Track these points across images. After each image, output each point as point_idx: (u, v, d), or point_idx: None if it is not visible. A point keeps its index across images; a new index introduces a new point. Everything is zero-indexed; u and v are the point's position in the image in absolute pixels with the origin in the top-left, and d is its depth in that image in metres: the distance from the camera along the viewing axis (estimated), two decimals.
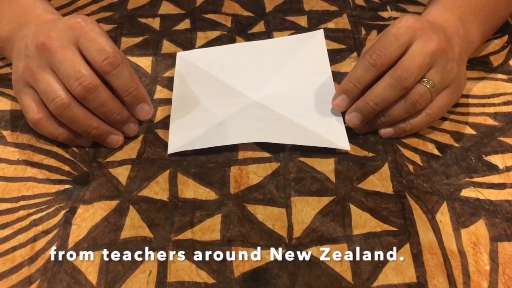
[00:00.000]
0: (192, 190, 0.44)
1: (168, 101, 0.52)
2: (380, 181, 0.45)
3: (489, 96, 0.53)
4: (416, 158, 0.47)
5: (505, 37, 0.60)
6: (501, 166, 0.46)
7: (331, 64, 0.55)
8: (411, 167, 0.46)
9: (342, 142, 0.47)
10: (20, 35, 0.48)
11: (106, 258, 0.40)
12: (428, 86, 0.45)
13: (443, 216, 0.42)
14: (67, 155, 0.47)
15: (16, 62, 0.47)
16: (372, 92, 0.46)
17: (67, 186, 0.45)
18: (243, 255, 0.40)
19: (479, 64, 0.57)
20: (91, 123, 0.45)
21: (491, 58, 0.58)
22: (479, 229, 0.41)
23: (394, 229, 0.41)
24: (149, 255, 0.40)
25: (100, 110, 0.45)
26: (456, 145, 0.48)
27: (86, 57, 0.44)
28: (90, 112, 0.45)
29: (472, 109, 0.52)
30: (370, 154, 0.47)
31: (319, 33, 0.58)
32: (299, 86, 0.53)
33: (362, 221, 0.42)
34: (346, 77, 0.48)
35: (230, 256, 0.40)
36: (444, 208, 0.43)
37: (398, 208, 0.43)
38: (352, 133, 0.48)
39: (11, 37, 0.49)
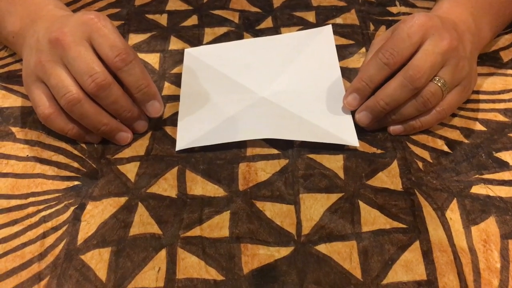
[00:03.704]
0: (200, 186, 0.44)
1: (176, 98, 0.52)
2: (389, 178, 0.45)
3: (499, 92, 0.52)
4: (426, 155, 0.47)
5: None
6: (511, 163, 0.46)
7: (339, 60, 0.55)
8: (420, 164, 0.46)
9: (351, 138, 0.47)
10: (31, 31, 0.48)
11: (115, 255, 0.40)
12: (439, 85, 0.45)
13: (453, 213, 0.42)
14: (76, 152, 0.47)
15: (27, 57, 0.47)
16: (383, 91, 0.45)
17: (76, 182, 0.45)
18: (252, 252, 0.40)
19: (489, 60, 0.56)
20: (101, 119, 0.45)
21: (501, 53, 0.57)
22: (489, 226, 0.41)
23: (404, 226, 0.41)
24: (158, 251, 0.40)
25: (111, 107, 0.45)
26: (466, 141, 0.48)
27: (99, 53, 0.44)
28: (101, 109, 0.45)
29: (482, 105, 0.51)
30: (379, 151, 0.47)
31: (327, 29, 0.58)
32: (308, 82, 0.53)
33: (372, 218, 0.42)
34: (357, 75, 0.47)
35: (239, 253, 0.40)
36: (454, 205, 0.43)
37: (407, 205, 0.43)
38: (360, 130, 0.48)
39: (22, 32, 0.50)
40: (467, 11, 0.50)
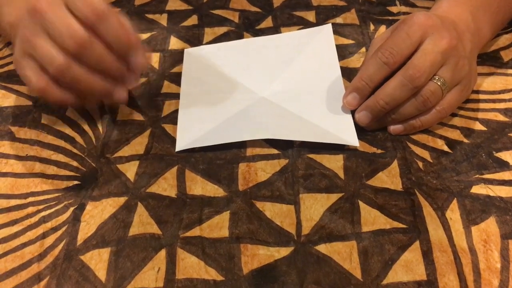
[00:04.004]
0: (200, 186, 0.44)
1: (175, 96, 0.52)
2: (389, 178, 0.45)
3: (499, 92, 0.52)
4: (426, 155, 0.46)
5: None
6: (511, 163, 0.46)
7: (339, 59, 0.55)
8: (420, 164, 0.46)
9: (351, 138, 0.47)
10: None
11: (114, 255, 0.40)
12: (439, 84, 0.44)
13: (453, 213, 0.42)
14: (75, 150, 0.47)
15: (16, 40, 0.46)
16: (383, 91, 0.45)
17: (75, 182, 0.45)
18: (252, 252, 0.39)
19: (490, 60, 0.56)
20: (93, 79, 0.45)
21: (502, 53, 0.57)
22: (489, 226, 0.41)
23: (404, 226, 0.41)
24: (158, 252, 0.40)
25: (98, 66, 0.45)
26: (466, 141, 0.48)
27: (74, 13, 0.43)
28: (90, 70, 0.45)
29: (482, 105, 0.51)
30: (379, 151, 0.47)
31: (327, 28, 0.58)
32: (307, 81, 0.53)
33: (372, 218, 0.42)
34: (357, 74, 0.47)
35: (239, 253, 0.40)
36: (454, 205, 0.42)
37: (407, 205, 0.43)
38: (361, 130, 0.48)
39: (18, 22, 0.48)
40: (467, 10, 0.50)
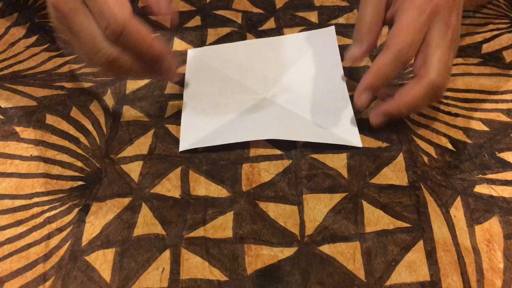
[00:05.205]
0: (204, 187, 0.44)
1: (178, 97, 0.52)
2: (394, 173, 0.45)
3: (502, 92, 0.52)
4: (431, 150, 0.46)
5: None
6: None
7: (342, 60, 0.55)
8: (426, 159, 0.46)
9: (354, 139, 0.47)
10: None
11: (119, 255, 0.40)
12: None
13: (457, 211, 0.42)
14: (79, 151, 0.48)
15: (49, 7, 0.44)
16: (407, 99, 0.44)
17: (80, 182, 0.45)
18: (255, 253, 0.40)
19: (492, 60, 0.56)
20: (138, 68, 0.45)
21: (504, 53, 0.57)
22: (492, 226, 0.41)
23: (408, 225, 0.41)
24: (162, 252, 0.40)
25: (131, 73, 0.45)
26: (469, 141, 0.48)
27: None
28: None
29: (484, 105, 0.51)
30: (385, 144, 0.47)
31: (331, 30, 0.58)
32: (311, 83, 0.53)
33: (375, 218, 0.42)
34: (369, 71, 0.45)
35: (243, 253, 0.40)
36: (458, 202, 0.43)
37: (412, 201, 0.43)
38: (365, 125, 0.48)
39: None
40: None
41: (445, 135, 0.48)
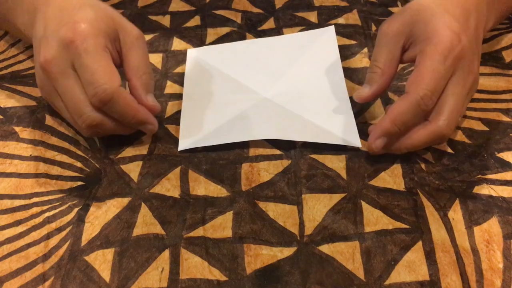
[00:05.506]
0: (203, 187, 0.44)
1: (178, 96, 0.53)
2: (392, 178, 0.45)
3: (501, 92, 0.53)
4: (428, 156, 0.47)
5: None
6: None
7: (341, 60, 0.55)
8: (422, 165, 0.46)
9: (353, 139, 0.47)
10: (33, 31, 0.46)
11: (118, 255, 0.40)
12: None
13: (456, 213, 0.42)
14: (79, 152, 0.48)
15: (35, 65, 0.46)
16: (410, 142, 0.44)
17: (79, 182, 0.45)
18: (255, 252, 0.40)
19: (492, 60, 0.56)
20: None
21: (504, 53, 0.57)
22: (492, 227, 0.41)
23: (406, 226, 0.41)
24: (162, 252, 0.40)
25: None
26: (468, 141, 0.48)
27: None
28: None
29: (484, 105, 0.51)
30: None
31: (330, 30, 0.58)
32: (310, 83, 0.53)
33: (374, 219, 0.42)
34: (388, 115, 0.43)
35: (242, 253, 0.40)
36: (456, 205, 0.43)
37: (410, 205, 0.43)
38: (363, 130, 0.48)
39: (30, 28, 0.48)
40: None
41: None
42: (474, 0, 0.46)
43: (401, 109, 0.42)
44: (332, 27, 0.58)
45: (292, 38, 0.58)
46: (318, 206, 0.43)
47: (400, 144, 0.44)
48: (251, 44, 0.58)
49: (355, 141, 0.47)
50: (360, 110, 0.51)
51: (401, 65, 0.51)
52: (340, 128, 0.48)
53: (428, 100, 0.41)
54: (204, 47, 0.58)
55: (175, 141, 0.48)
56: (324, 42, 0.57)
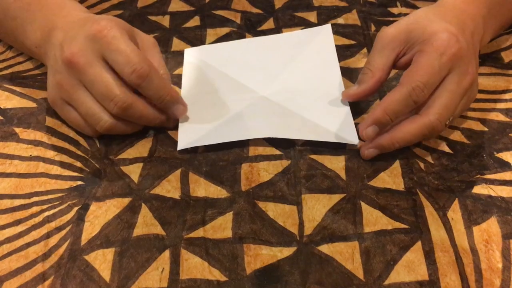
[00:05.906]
0: (203, 188, 0.44)
1: None
2: (391, 178, 0.45)
3: (500, 92, 0.53)
4: (427, 156, 0.47)
5: None
6: None
7: (341, 60, 0.55)
8: (422, 165, 0.46)
9: (351, 136, 0.47)
10: (50, 43, 0.47)
11: (119, 255, 0.40)
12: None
13: (455, 213, 0.42)
14: (79, 152, 0.48)
15: (49, 76, 0.47)
16: (400, 136, 0.44)
17: (79, 182, 0.45)
18: (254, 252, 0.40)
19: (490, 60, 0.56)
20: (137, 127, 0.48)
21: (502, 54, 0.57)
22: (491, 227, 0.41)
23: (406, 226, 0.41)
24: (162, 252, 0.40)
25: (139, 120, 0.47)
26: (467, 142, 0.48)
27: (115, 69, 0.44)
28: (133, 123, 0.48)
29: (483, 105, 0.51)
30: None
31: (327, 28, 0.58)
32: (308, 81, 0.53)
33: (373, 219, 0.42)
34: (379, 106, 0.44)
35: (242, 253, 0.40)
36: (455, 205, 0.43)
37: (409, 205, 0.43)
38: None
39: (43, 43, 0.49)
40: (479, 13, 0.48)
41: (442, 137, 0.48)
42: (470, 13, 0.48)
43: (393, 99, 0.43)
44: (329, 25, 0.58)
45: (289, 37, 0.58)
46: (317, 206, 0.43)
47: (392, 138, 0.45)
48: (249, 43, 0.58)
49: (353, 138, 0.47)
50: (360, 111, 0.51)
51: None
52: (338, 126, 0.48)
53: (419, 92, 0.42)
54: (201, 46, 0.58)
55: (176, 144, 0.48)
56: (321, 40, 0.57)
